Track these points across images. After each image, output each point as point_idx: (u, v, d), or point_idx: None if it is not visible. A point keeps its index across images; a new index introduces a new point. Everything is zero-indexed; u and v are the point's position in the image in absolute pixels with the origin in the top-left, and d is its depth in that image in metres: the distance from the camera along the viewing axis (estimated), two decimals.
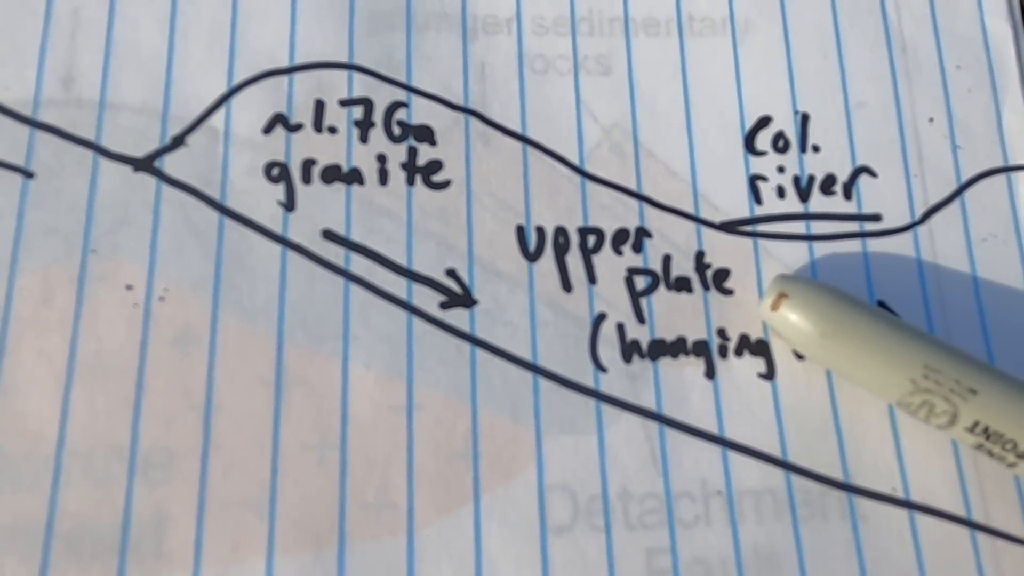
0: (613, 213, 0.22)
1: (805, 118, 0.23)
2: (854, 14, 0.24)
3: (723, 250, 0.22)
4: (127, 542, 0.18)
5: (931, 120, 0.23)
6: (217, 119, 0.21)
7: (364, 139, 0.22)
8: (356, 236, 0.21)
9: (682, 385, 0.20)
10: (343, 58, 0.22)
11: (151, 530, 0.18)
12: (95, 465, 0.18)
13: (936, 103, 0.23)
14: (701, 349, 0.21)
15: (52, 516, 0.18)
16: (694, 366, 0.21)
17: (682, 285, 0.21)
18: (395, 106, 0.22)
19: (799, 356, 0.21)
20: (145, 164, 0.21)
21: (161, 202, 0.20)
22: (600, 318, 0.21)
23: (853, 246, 0.22)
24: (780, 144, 0.23)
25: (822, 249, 0.22)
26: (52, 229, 0.20)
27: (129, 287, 0.20)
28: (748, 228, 0.22)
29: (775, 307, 0.20)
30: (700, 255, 0.22)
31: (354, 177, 0.21)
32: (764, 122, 0.23)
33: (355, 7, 0.23)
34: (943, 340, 0.20)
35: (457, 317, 0.20)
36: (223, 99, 0.21)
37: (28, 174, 0.20)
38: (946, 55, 0.24)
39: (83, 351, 0.19)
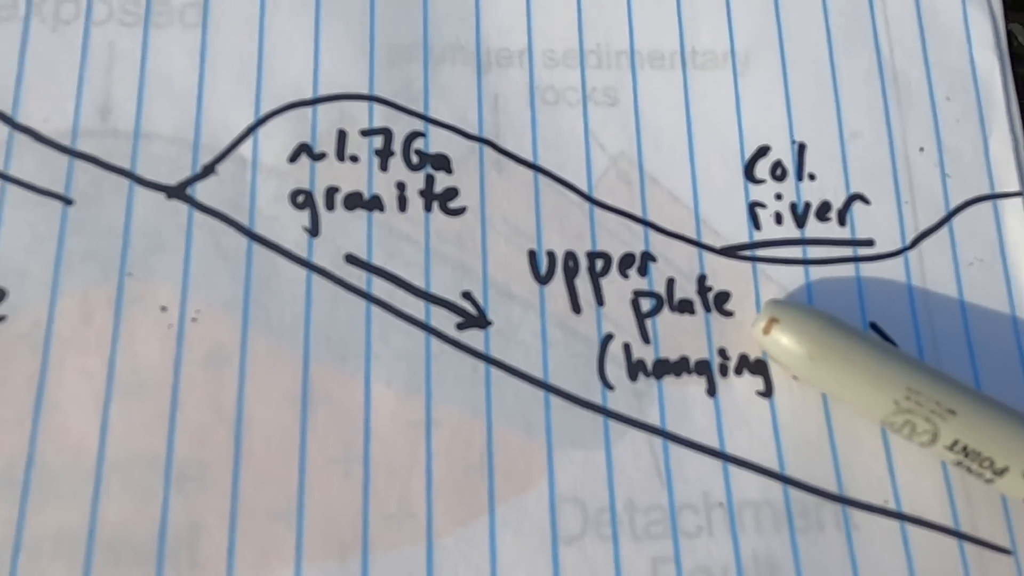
0: (620, 238, 0.23)
1: (802, 147, 0.24)
2: (848, 48, 0.25)
3: (724, 274, 0.22)
4: (163, 550, 0.19)
5: (922, 149, 0.24)
6: (245, 148, 0.22)
7: (384, 167, 0.22)
8: (377, 260, 0.22)
9: (685, 402, 0.21)
10: (364, 90, 0.23)
11: (186, 539, 0.19)
12: (133, 477, 0.19)
13: (927, 133, 0.24)
14: (703, 368, 0.22)
15: (93, 525, 0.19)
16: (696, 384, 0.22)
17: (685, 307, 0.22)
18: (413, 136, 0.23)
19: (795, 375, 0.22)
20: (178, 191, 0.22)
21: (193, 228, 0.21)
22: (607, 338, 0.22)
23: (847, 270, 0.23)
24: (778, 172, 0.24)
25: (817, 273, 0.23)
26: (90, 254, 0.21)
27: (163, 309, 0.21)
28: (747, 253, 0.23)
29: (766, 331, 0.21)
30: (702, 278, 0.22)
31: (375, 204, 0.22)
32: (763, 151, 0.24)
33: (375, 41, 0.23)
34: (926, 363, 0.21)
35: (472, 337, 0.21)
36: (251, 129, 0.22)
37: (68, 201, 0.21)
38: (936, 87, 0.25)
39: (121, 369, 0.20)
